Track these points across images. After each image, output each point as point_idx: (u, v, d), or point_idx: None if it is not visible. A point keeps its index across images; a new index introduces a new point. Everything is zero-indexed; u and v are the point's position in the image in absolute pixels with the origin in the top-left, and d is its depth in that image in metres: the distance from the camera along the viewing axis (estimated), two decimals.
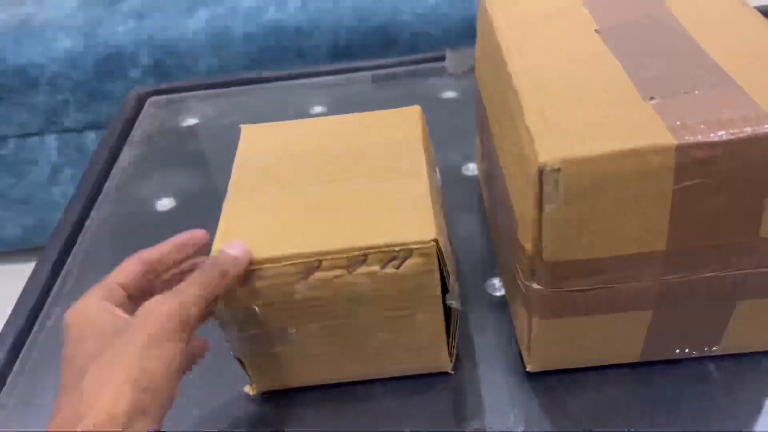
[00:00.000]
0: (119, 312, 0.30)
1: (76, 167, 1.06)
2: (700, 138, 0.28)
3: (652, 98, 0.30)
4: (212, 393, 0.39)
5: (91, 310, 0.30)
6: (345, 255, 0.32)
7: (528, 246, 0.31)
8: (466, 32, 0.94)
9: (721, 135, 0.28)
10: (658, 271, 0.32)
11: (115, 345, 0.27)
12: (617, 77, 0.32)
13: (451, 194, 0.50)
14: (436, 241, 0.32)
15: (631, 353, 0.36)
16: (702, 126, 0.28)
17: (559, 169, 0.28)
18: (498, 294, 0.44)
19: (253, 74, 0.72)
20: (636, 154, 0.28)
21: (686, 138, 0.28)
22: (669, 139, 0.28)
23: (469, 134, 0.58)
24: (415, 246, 0.32)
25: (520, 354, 0.39)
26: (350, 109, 0.43)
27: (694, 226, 0.30)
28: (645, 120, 0.29)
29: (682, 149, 0.28)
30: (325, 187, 0.36)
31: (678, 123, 0.29)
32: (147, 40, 0.95)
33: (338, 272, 0.33)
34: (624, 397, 0.37)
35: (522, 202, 0.32)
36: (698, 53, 0.33)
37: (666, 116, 0.29)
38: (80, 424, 0.25)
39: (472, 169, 0.55)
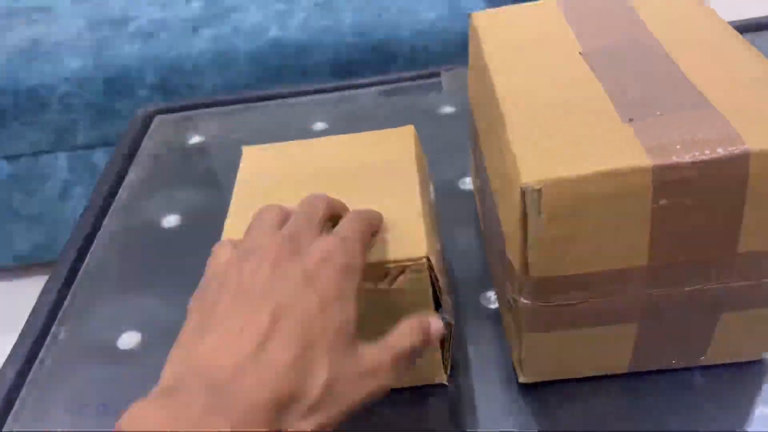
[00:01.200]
0: None
1: (86, 184, 1.09)
2: (675, 159, 0.29)
3: (631, 120, 0.32)
4: None
5: None
6: None
7: (515, 262, 0.33)
8: (464, 47, 0.95)
9: (696, 155, 0.29)
10: (642, 285, 0.33)
11: None
12: (598, 99, 0.33)
13: (447, 208, 0.51)
14: (427, 258, 0.34)
15: (620, 364, 0.38)
16: (678, 147, 0.29)
17: (540, 190, 0.29)
18: (493, 306, 0.45)
19: (256, 92, 0.73)
20: (614, 174, 0.29)
21: (662, 159, 0.29)
22: (646, 160, 0.29)
23: (466, 148, 0.59)
24: (407, 263, 0.34)
25: (513, 365, 0.40)
26: (351, 125, 0.45)
27: (673, 243, 0.31)
28: (623, 141, 0.30)
29: (658, 170, 0.29)
30: None
31: (655, 144, 0.30)
32: (153, 60, 0.97)
33: None
34: (614, 407, 0.38)
35: (508, 220, 0.33)
36: (677, 75, 0.34)
37: (644, 137, 0.30)
38: None
39: (468, 182, 0.56)
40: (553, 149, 0.31)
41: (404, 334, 0.30)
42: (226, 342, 0.26)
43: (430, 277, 0.34)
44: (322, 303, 0.27)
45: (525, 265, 0.32)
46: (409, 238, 0.35)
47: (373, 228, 0.34)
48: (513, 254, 0.33)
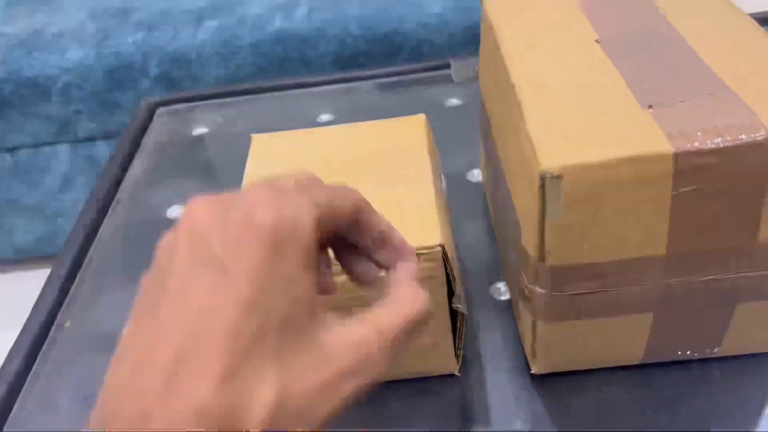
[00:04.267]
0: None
1: (87, 176, 1.08)
2: (696, 145, 0.29)
3: (650, 106, 0.31)
4: None
5: None
6: None
7: (532, 251, 0.32)
8: (469, 40, 0.95)
9: (718, 142, 0.29)
10: (659, 274, 0.32)
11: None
12: (617, 86, 0.33)
13: (456, 200, 0.51)
14: (442, 246, 0.33)
15: (634, 355, 0.37)
16: (699, 133, 0.29)
17: (560, 176, 0.29)
18: (503, 298, 0.44)
19: (260, 83, 0.73)
20: (635, 161, 0.29)
21: (684, 145, 0.29)
22: (667, 147, 0.29)
23: (474, 141, 0.59)
24: (421, 251, 0.33)
25: (525, 356, 0.40)
26: (357, 117, 0.44)
27: (692, 231, 0.31)
28: (644, 128, 0.30)
29: (679, 157, 0.29)
30: None
31: (676, 131, 0.29)
32: (156, 51, 0.97)
33: (346, 276, 0.33)
34: (627, 398, 0.37)
35: (525, 208, 0.32)
36: (695, 62, 0.34)
37: (664, 124, 0.30)
38: None
39: (476, 175, 0.56)
40: (573, 135, 0.30)
41: (401, 302, 0.23)
42: (133, 375, 0.19)
43: (444, 265, 0.34)
44: (247, 293, 0.19)
45: (541, 253, 0.32)
46: (423, 227, 0.34)
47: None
48: (529, 242, 0.33)
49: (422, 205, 0.35)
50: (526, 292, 0.35)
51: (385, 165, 0.39)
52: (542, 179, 0.29)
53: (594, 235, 0.31)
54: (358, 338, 0.21)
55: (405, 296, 0.24)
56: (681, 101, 0.31)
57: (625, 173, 0.29)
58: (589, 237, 0.31)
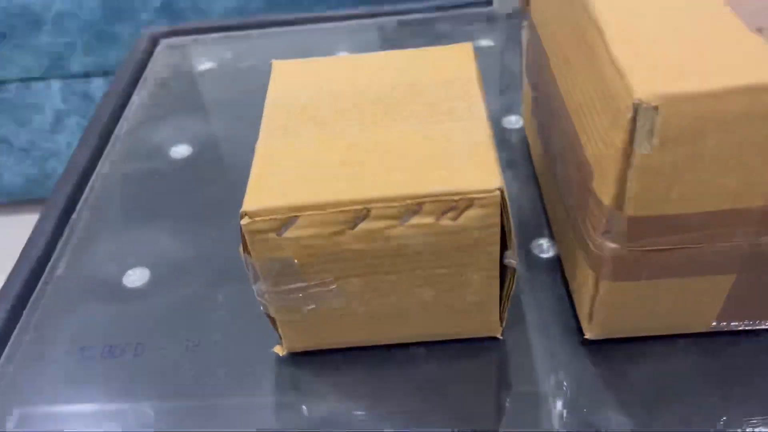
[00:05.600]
0: None
1: (81, 115, 1.02)
2: None
3: (760, 29, 0.26)
4: (239, 353, 0.36)
5: None
6: (397, 203, 0.29)
7: (606, 198, 0.28)
8: None
9: None
10: (752, 230, 0.28)
11: None
12: (715, 6, 0.28)
13: None
14: (501, 190, 0.28)
15: (703, 322, 0.33)
16: None
17: (656, 108, 0.24)
18: (545, 255, 0.40)
19: (272, 16, 0.67)
20: (748, 92, 0.24)
21: None
22: None
23: (508, 85, 0.54)
24: (477, 195, 0.28)
25: (573, 320, 0.36)
26: None
27: None
28: (755, 54, 0.25)
29: None
30: (371, 129, 0.32)
31: None
32: None
33: (389, 222, 0.29)
34: (692, 369, 0.33)
35: (603, 148, 0.28)
36: None
37: None
38: None
39: (513, 121, 0.51)
40: (668, 63, 0.25)
41: None
42: None
43: (501, 213, 0.29)
44: None
45: (619, 201, 0.27)
46: (478, 167, 0.29)
47: None
48: (604, 189, 0.28)
49: (477, 143, 0.31)
50: (592, 246, 0.30)
51: (431, 97, 0.34)
52: (635, 111, 0.24)
53: (686, 181, 0.26)
54: None
55: None
56: None
57: (733, 107, 0.24)
58: (679, 183, 0.26)
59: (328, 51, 0.61)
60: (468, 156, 0.30)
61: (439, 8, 0.65)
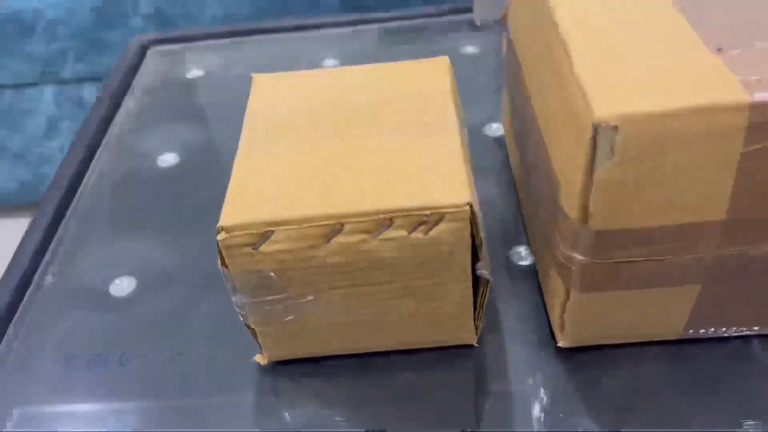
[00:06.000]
0: None
1: (73, 120, 1.02)
2: None
3: (719, 49, 0.27)
4: (221, 361, 0.37)
5: None
6: (370, 218, 0.29)
7: (572, 213, 0.29)
8: None
9: None
10: (714, 243, 0.29)
11: None
12: (677, 25, 0.29)
13: (473, 156, 0.46)
14: (470, 205, 0.29)
15: (673, 330, 0.34)
16: None
17: (616, 127, 0.25)
18: (523, 263, 0.41)
19: (261, 24, 0.68)
20: (705, 111, 0.25)
21: (763, 95, 0.25)
22: (743, 96, 0.25)
23: (492, 92, 0.54)
24: (447, 210, 0.29)
25: (548, 328, 0.37)
26: (364, 63, 0.40)
27: (758, 195, 0.27)
28: (714, 74, 0.26)
29: (757, 107, 0.25)
30: (346, 142, 0.33)
31: (751, 77, 0.25)
32: None
33: (362, 236, 0.30)
34: (662, 376, 0.34)
35: (568, 164, 0.29)
36: None
37: (737, 70, 0.26)
38: None
39: (495, 129, 0.52)
40: (630, 82, 0.26)
41: None
42: None
43: (471, 227, 0.30)
44: None
45: (584, 215, 0.28)
46: (449, 182, 0.30)
47: None
48: (570, 203, 0.29)
49: (448, 157, 0.31)
50: (561, 258, 0.31)
51: (405, 111, 0.34)
52: (595, 130, 0.25)
53: (647, 196, 0.27)
54: None
55: None
56: (755, 43, 0.27)
57: (691, 126, 0.25)
58: (641, 198, 0.27)
59: (315, 58, 0.62)
60: (439, 170, 0.31)
61: (425, 16, 0.65)
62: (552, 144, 0.31)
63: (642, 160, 0.26)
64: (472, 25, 0.64)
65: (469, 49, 0.61)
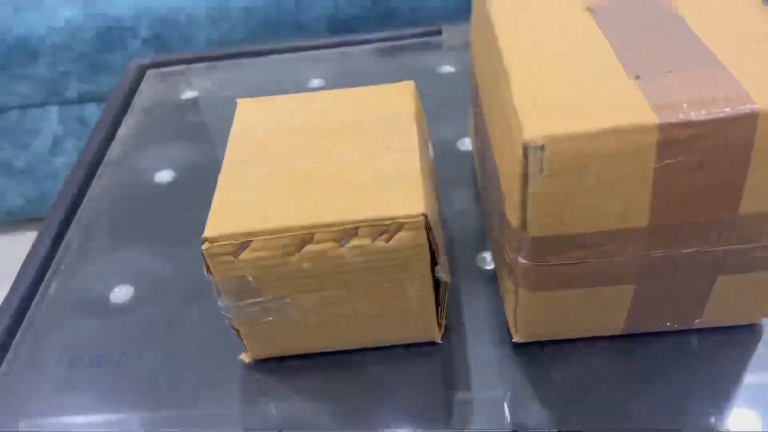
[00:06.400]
0: None
1: (77, 138, 1.07)
2: (682, 117, 0.28)
3: (637, 77, 0.31)
4: (210, 360, 0.41)
5: None
6: (336, 228, 0.33)
7: (514, 221, 0.32)
8: (464, 5, 0.93)
9: (703, 114, 0.28)
10: (640, 246, 0.32)
11: None
12: (604, 55, 0.33)
13: (445, 168, 0.50)
14: (425, 215, 0.33)
15: (615, 326, 0.38)
16: (685, 105, 0.29)
17: (542, 146, 0.29)
18: (488, 268, 0.45)
19: (252, 47, 0.72)
20: (619, 132, 0.29)
21: (669, 117, 0.28)
22: (652, 118, 0.28)
23: (465, 109, 0.58)
24: (404, 220, 0.33)
25: (507, 325, 0.40)
26: (349, 82, 0.44)
27: (675, 204, 0.31)
28: (629, 98, 0.30)
29: (664, 128, 0.28)
30: (318, 162, 0.37)
31: (661, 101, 0.29)
32: (146, 12, 0.95)
33: (330, 245, 0.34)
34: (607, 368, 0.38)
35: (508, 177, 0.32)
36: (685, 32, 0.33)
37: (650, 95, 0.30)
38: None
39: (467, 143, 0.55)
40: (557, 105, 0.30)
41: None
42: None
43: (427, 234, 0.34)
44: None
45: (523, 223, 0.32)
46: (407, 195, 0.34)
47: None
48: (512, 213, 0.32)
49: (407, 173, 0.35)
50: (509, 261, 0.35)
51: (372, 132, 0.38)
52: (525, 149, 0.29)
53: (576, 207, 0.31)
54: None
55: None
56: (669, 72, 0.31)
57: (608, 144, 0.29)
58: (570, 208, 0.31)
59: (303, 78, 0.66)
60: (399, 185, 0.35)
61: (406, 37, 0.70)
62: (498, 159, 0.35)
63: (567, 174, 0.30)
64: (450, 47, 0.68)
65: (447, 68, 0.65)
